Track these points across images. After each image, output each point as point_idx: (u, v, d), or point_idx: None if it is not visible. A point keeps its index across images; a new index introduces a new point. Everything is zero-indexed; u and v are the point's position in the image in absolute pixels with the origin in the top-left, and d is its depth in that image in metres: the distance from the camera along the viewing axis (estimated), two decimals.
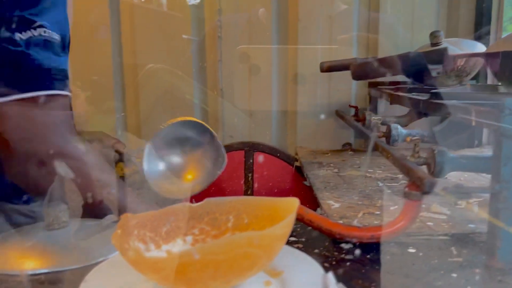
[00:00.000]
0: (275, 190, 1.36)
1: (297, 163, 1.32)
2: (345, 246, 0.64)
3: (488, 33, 1.27)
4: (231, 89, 1.39)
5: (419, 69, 0.82)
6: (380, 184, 0.97)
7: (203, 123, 0.81)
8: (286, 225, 0.47)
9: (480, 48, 1.18)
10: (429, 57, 0.79)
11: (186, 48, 1.37)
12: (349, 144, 1.41)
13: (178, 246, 0.57)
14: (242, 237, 0.42)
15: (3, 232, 0.69)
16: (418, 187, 0.61)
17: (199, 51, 1.40)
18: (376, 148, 0.85)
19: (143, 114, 1.43)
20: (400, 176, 1.04)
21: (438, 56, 0.78)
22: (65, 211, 0.66)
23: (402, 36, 1.39)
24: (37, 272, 0.57)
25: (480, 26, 1.29)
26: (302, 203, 1.46)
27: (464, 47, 1.14)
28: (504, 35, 1.33)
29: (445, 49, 0.81)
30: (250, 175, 1.36)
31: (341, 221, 0.71)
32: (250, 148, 1.37)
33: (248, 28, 1.38)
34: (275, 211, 0.57)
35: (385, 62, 0.86)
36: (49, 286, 0.54)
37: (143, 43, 1.38)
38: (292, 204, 0.53)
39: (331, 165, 1.18)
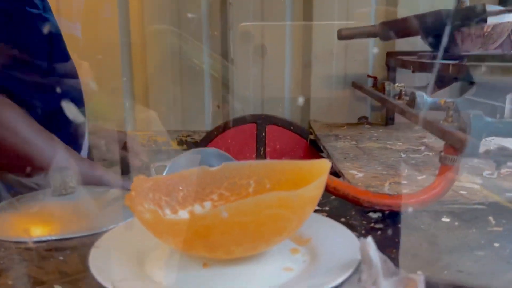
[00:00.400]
0: (287, 158, 1.31)
1: (311, 137, 1.27)
2: (373, 215, 0.60)
3: None
4: (243, 59, 1.34)
5: (451, 28, 0.76)
6: (403, 155, 0.92)
7: (227, 154, 0.76)
8: (319, 186, 0.42)
9: (508, 16, 1.11)
10: (465, 13, 0.73)
11: (196, 15, 1.32)
12: (366, 117, 1.35)
13: (196, 212, 0.53)
14: (273, 196, 0.38)
15: (6, 200, 0.65)
16: (455, 151, 0.56)
17: (210, 17, 1.34)
18: (402, 113, 0.79)
19: (150, 79, 1.37)
20: (423, 148, 0.99)
21: (477, 13, 0.72)
22: (72, 176, 0.62)
23: (422, 9, 1.32)
24: (44, 239, 0.53)
25: None
26: None
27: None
28: None
29: (484, 5, 0.74)
30: (262, 149, 1.32)
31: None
32: (262, 121, 1.32)
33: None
34: (301, 176, 0.52)
35: (414, 20, 0.80)
36: (57, 253, 0.50)
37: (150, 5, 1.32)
38: (321, 166, 0.49)
39: (348, 137, 1.13)
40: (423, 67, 0.94)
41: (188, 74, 1.36)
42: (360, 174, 0.76)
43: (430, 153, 0.93)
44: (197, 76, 1.37)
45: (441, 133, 0.59)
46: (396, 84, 0.91)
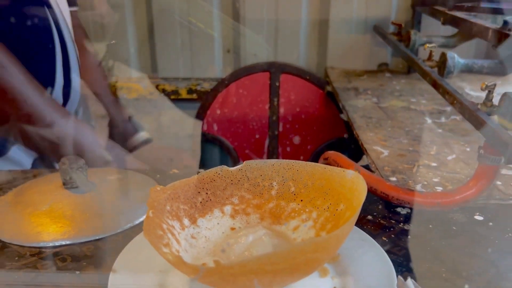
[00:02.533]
0: (303, 117, 1.26)
1: (328, 88, 1.20)
2: (401, 211, 0.57)
3: None
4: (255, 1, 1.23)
5: None
6: (429, 121, 0.87)
7: None
8: (355, 219, 0.38)
9: None
10: None
11: None
12: (386, 64, 1.27)
13: (216, 219, 0.50)
14: (309, 243, 0.34)
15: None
16: (496, 151, 0.51)
17: None
18: (434, 85, 0.73)
19: (155, 20, 1.28)
20: (449, 109, 0.93)
21: None
22: (82, 168, 0.58)
23: None
24: (57, 244, 0.50)
25: None
26: (338, 138, 1.36)
27: None
28: None
29: None
30: (275, 99, 1.26)
31: (394, 179, 0.63)
32: (275, 69, 1.24)
33: None
34: (328, 182, 0.48)
35: None
36: (73, 265, 0.48)
37: None
38: (354, 181, 0.44)
39: (369, 92, 1.07)
40: (456, 23, 0.85)
41: (196, 15, 1.26)
42: (385, 152, 0.71)
43: (457, 117, 0.88)
44: (206, 17, 1.27)
45: (482, 128, 0.53)
46: (426, 44, 0.83)
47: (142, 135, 0.93)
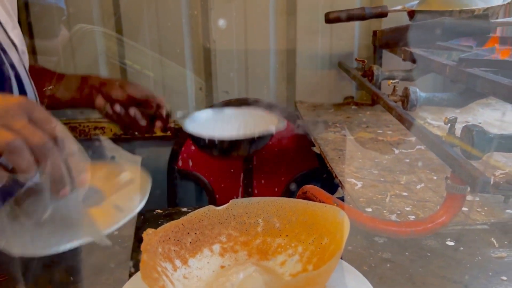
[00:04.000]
0: (276, 149, 1.30)
1: (299, 121, 1.25)
2: (379, 240, 0.60)
3: None
4: (225, 40, 1.28)
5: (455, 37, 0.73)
6: (396, 151, 0.92)
7: None
8: (341, 252, 0.41)
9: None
10: (467, 27, 0.71)
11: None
12: (351, 97, 1.34)
13: (206, 258, 0.51)
14: (299, 280, 0.37)
15: None
16: (462, 181, 0.56)
17: None
18: (399, 119, 0.78)
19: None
20: (414, 139, 0.99)
21: (479, 27, 0.70)
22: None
23: None
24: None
25: None
26: (310, 169, 1.40)
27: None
28: None
29: (486, 16, 0.72)
30: None
31: (370, 209, 0.67)
32: (248, 105, 1.28)
33: None
34: (311, 217, 0.51)
35: (415, 30, 0.77)
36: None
37: None
38: (335, 214, 0.48)
39: (337, 125, 1.12)
40: (416, 60, 0.92)
41: (169, 55, 1.29)
42: (359, 184, 0.75)
43: (422, 147, 0.93)
44: (178, 57, 1.30)
45: (448, 159, 0.58)
46: (390, 81, 0.89)
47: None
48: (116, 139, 1.32)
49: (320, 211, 0.50)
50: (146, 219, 0.69)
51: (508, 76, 0.76)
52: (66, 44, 1.26)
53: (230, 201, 0.55)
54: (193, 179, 1.34)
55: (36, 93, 0.77)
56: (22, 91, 0.72)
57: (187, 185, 1.37)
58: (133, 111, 0.81)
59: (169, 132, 1.31)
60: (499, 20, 0.89)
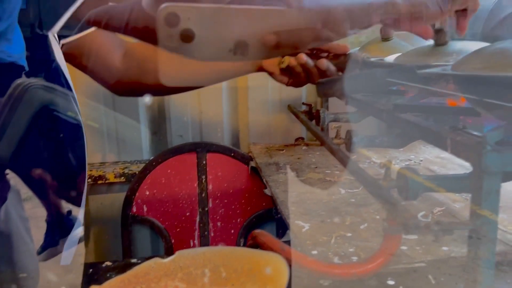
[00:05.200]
0: (231, 191, 1.32)
1: (252, 163, 1.28)
2: (324, 282, 0.62)
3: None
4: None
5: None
6: (343, 192, 0.96)
7: None
8: None
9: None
10: (397, 76, 0.77)
11: None
12: (302, 138, 1.39)
13: None
14: None
15: None
16: (398, 222, 0.60)
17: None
18: (341, 162, 0.82)
19: (82, 109, 1.30)
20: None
21: (407, 74, 0.76)
22: None
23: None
24: None
25: None
26: (265, 209, 1.41)
27: (416, 41, 1.14)
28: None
29: (414, 68, 0.78)
30: (203, 177, 1.31)
31: (316, 252, 0.69)
32: (202, 149, 1.31)
33: None
34: (256, 265, 0.53)
35: (348, 81, 0.82)
36: None
37: None
38: (277, 263, 0.50)
39: (288, 166, 1.16)
40: (357, 105, 0.97)
41: (123, 101, 1.30)
42: (306, 226, 0.78)
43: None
44: (132, 101, 1.32)
45: (384, 202, 0.62)
46: (333, 125, 0.93)
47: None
48: None
49: (263, 260, 0.52)
50: (95, 272, 0.69)
51: (439, 121, 0.83)
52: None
53: (177, 252, 0.56)
54: (148, 225, 1.33)
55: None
56: None
57: (142, 231, 1.36)
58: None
59: (123, 177, 1.31)
60: (426, 70, 0.96)
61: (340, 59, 0.72)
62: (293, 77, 0.70)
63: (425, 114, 0.81)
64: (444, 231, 0.57)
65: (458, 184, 0.67)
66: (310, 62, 0.67)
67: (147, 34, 0.40)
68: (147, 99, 1.33)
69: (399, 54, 0.95)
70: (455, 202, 0.86)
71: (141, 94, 0.77)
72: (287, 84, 0.72)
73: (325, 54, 0.70)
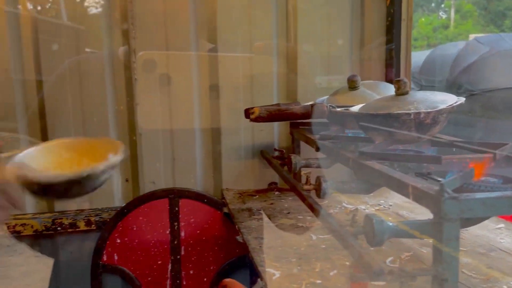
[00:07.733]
0: (204, 238, 1.31)
1: (225, 209, 1.28)
2: None
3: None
4: (151, 133, 1.32)
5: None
6: (314, 238, 0.97)
7: None
8: None
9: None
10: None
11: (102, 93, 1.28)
12: (275, 183, 1.40)
13: None
14: None
15: None
16: (363, 270, 0.61)
17: (116, 93, 1.31)
18: (311, 210, 0.84)
19: None
20: None
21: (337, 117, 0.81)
22: None
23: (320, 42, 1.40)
24: None
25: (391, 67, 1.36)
26: (238, 256, 1.40)
27: (381, 90, 1.19)
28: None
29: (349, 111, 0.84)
30: (176, 224, 1.30)
31: None
32: (174, 195, 1.30)
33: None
34: None
35: (286, 111, 0.90)
36: None
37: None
38: None
39: (261, 212, 1.16)
40: (325, 151, 1.00)
41: None
42: (277, 274, 0.78)
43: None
44: None
45: (350, 250, 0.63)
46: (303, 171, 0.96)
47: None
48: (38, 235, 1.27)
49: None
50: None
51: (402, 168, 0.86)
52: None
53: None
54: (119, 274, 1.30)
55: None
56: None
57: (112, 280, 1.33)
58: None
59: (94, 225, 1.29)
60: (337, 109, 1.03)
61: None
62: None
63: (390, 161, 0.85)
64: (408, 277, 0.58)
65: (421, 229, 0.69)
66: None
67: None
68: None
69: (364, 104, 1.00)
70: (422, 246, 0.88)
71: None
72: None
73: None
